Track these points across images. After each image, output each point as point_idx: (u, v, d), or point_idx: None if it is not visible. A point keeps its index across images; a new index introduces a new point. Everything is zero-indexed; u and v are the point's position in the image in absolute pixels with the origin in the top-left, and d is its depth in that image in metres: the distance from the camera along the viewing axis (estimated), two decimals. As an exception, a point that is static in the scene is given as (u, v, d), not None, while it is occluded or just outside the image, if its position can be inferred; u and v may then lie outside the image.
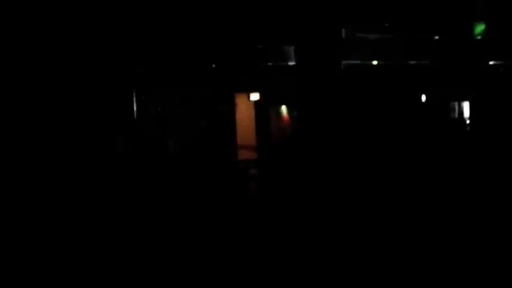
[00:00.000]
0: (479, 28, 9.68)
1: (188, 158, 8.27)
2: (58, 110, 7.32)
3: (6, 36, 7.02)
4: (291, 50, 8.88)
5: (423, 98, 9.72)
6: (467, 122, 9.99)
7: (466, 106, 9.97)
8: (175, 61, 8.32)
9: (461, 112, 9.96)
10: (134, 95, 7.85)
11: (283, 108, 9.06)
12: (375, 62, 9.39)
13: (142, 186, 7.63)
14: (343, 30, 8.97)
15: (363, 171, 8.48)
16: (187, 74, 8.42)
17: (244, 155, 8.76)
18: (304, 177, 8.46)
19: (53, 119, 7.24)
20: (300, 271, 4.86)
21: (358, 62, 9.27)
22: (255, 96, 8.99)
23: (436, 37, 9.64)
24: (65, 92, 7.40)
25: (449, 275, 4.46)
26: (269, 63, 8.89)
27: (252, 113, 9.04)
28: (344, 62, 9.02)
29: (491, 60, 9.88)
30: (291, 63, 8.88)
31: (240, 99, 8.87)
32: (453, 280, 4.36)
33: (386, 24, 9.42)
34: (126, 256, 5.42)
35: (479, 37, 9.77)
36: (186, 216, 7.30)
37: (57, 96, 7.35)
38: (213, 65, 8.58)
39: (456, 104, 9.93)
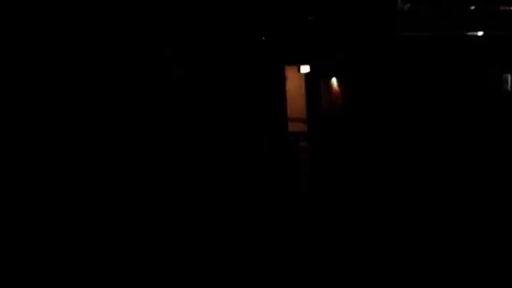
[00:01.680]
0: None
1: (239, 131, 8.35)
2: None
3: None
4: (343, 21, 8.76)
5: (482, 71, 9.40)
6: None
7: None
8: (223, 35, 8.35)
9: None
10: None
11: (334, 80, 8.98)
12: (430, 34, 9.13)
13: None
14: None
15: (415, 149, 8.34)
16: (236, 47, 8.44)
17: (294, 127, 8.79)
18: (354, 151, 8.44)
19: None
20: (349, 243, 4.90)
21: (413, 33, 9.04)
22: (305, 69, 8.95)
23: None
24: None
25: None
26: (320, 35, 8.81)
27: (303, 85, 9.02)
28: (398, 33, 8.83)
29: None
30: (343, 34, 8.77)
31: (291, 72, 8.86)
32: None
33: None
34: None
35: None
36: (238, 188, 7.40)
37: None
38: (263, 38, 8.56)
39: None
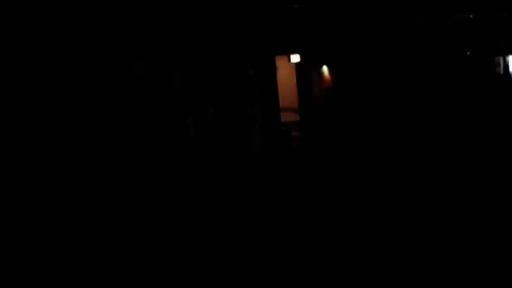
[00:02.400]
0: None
1: (231, 121, 8.31)
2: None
3: None
4: (329, 10, 8.74)
5: (466, 55, 9.45)
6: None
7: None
8: (213, 25, 8.27)
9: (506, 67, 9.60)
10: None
11: (325, 69, 8.98)
12: (413, 22, 9.14)
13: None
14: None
15: (403, 133, 8.38)
16: (226, 38, 8.38)
17: (287, 117, 8.78)
18: (344, 139, 8.46)
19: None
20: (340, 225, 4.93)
21: (397, 21, 9.05)
22: (295, 58, 8.92)
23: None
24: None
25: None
26: (308, 24, 8.78)
27: (294, 75, 9.00)
28: (382, 21, 8.85)
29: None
30: (330, 22, 8.76)
31: (281, 61, 8.83)
32: None
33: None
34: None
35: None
36: (231, 177, 7.37)
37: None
38: (253, 28, 8.51)
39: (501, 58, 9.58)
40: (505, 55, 9.50)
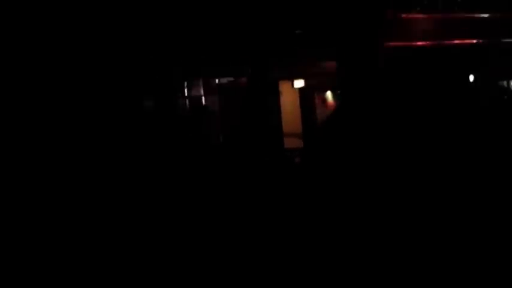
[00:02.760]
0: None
1: (234, 148, 8.12)
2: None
3: None
4: (333, 34, 8.64)
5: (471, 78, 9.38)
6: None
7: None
8: (216, 51, 8.14)
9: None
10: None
11: (328, 94, 8.85)
12: (419, 43, 9.09)
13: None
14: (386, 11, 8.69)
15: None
16: (229, 64, 8.24)
17: (290, 143, 8.58)
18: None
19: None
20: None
21: (402, 43, 8.98)
22: (299, 83, 8.78)
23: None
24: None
25: None
26: (311, 49, 8.67)
27: (297, 100, 8.85)
28: (387, 43, 8.76)
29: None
30: (333, 48, 8.65)
31: (284, 87, 8.68)
32: None
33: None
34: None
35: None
36: (232, 207, 7.18)
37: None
38: (255, 53, 8.39)
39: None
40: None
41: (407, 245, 4.18)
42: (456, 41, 9.08)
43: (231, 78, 8.18)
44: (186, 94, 7.89)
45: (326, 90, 8.86)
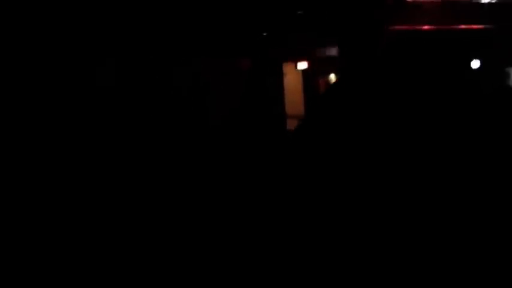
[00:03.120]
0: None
1: (236, 129, 8.15)
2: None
3: None
4: (335, 17, 8.63)
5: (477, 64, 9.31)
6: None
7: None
8: (221, 30, 8.15)
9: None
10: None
11: (332, 76, 8.85)
12: (423, 28, 9.04)
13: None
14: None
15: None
16: (233, 44, 8.26)
17: (293, 125, 8.61)
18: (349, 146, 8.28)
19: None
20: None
21: (406, 27, 8.93)
22: (302, 65, 8.80)
23: None
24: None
25: None
26: (314, 31, 8.66)
27: (301, 82, 8.86)
28: (391, 27, 8.71)
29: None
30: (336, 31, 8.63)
31: (288, 68, 8.70)
32: None
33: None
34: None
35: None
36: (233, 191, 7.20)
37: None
38: (260, 34, 8.41)
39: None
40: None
41: (405, 243, 4.20)
42: (461, 26, 9.02)
43: (234, 59, 8.20)
44: (187, 74, 7.93)
45: (330, 73, 8.86)
